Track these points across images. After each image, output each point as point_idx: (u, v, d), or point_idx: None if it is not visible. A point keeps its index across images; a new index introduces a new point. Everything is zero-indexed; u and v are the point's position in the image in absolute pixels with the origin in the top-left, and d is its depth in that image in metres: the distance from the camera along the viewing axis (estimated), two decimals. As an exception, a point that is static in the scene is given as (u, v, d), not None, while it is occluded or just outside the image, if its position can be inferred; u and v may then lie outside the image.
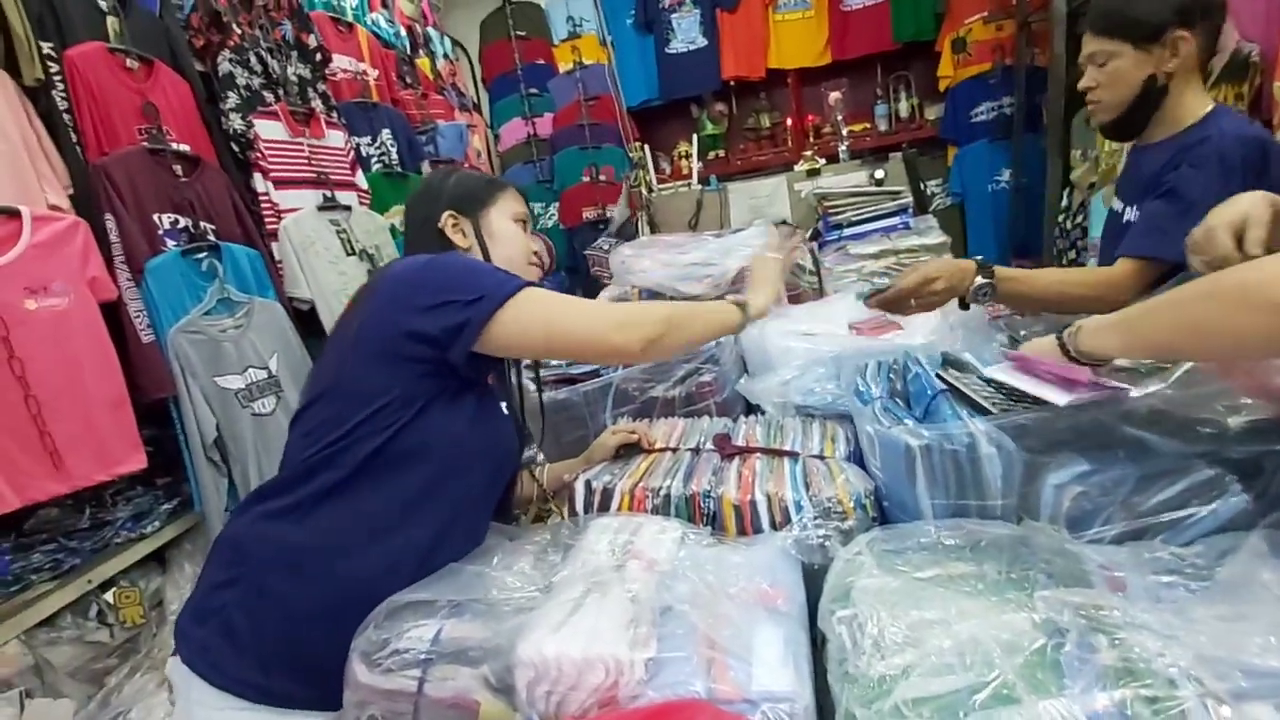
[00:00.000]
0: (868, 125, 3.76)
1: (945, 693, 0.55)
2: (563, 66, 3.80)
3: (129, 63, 1.64)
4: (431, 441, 0.85)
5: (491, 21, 3.86)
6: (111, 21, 1.63)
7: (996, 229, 3.43)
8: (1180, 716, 0.48)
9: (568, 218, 3.68)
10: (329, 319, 2.05)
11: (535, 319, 0.84)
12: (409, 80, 3.04)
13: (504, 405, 1.00)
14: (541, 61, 3.85)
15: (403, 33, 3.17)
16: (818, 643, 0.73)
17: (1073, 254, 2.49)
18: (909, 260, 1.94)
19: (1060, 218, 2.64)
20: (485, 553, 0.89)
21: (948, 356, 1.03)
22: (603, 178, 3.57)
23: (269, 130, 2.01)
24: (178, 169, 1.70)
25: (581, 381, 1.42)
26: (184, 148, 1.75)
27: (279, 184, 2.04)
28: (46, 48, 1.47)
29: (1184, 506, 0.71)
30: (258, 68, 2.04)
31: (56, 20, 1.51)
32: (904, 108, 3.74)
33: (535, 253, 1.05)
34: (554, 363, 1.48)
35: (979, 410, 0.82)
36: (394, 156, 2.64)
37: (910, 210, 2.08)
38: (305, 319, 2.02)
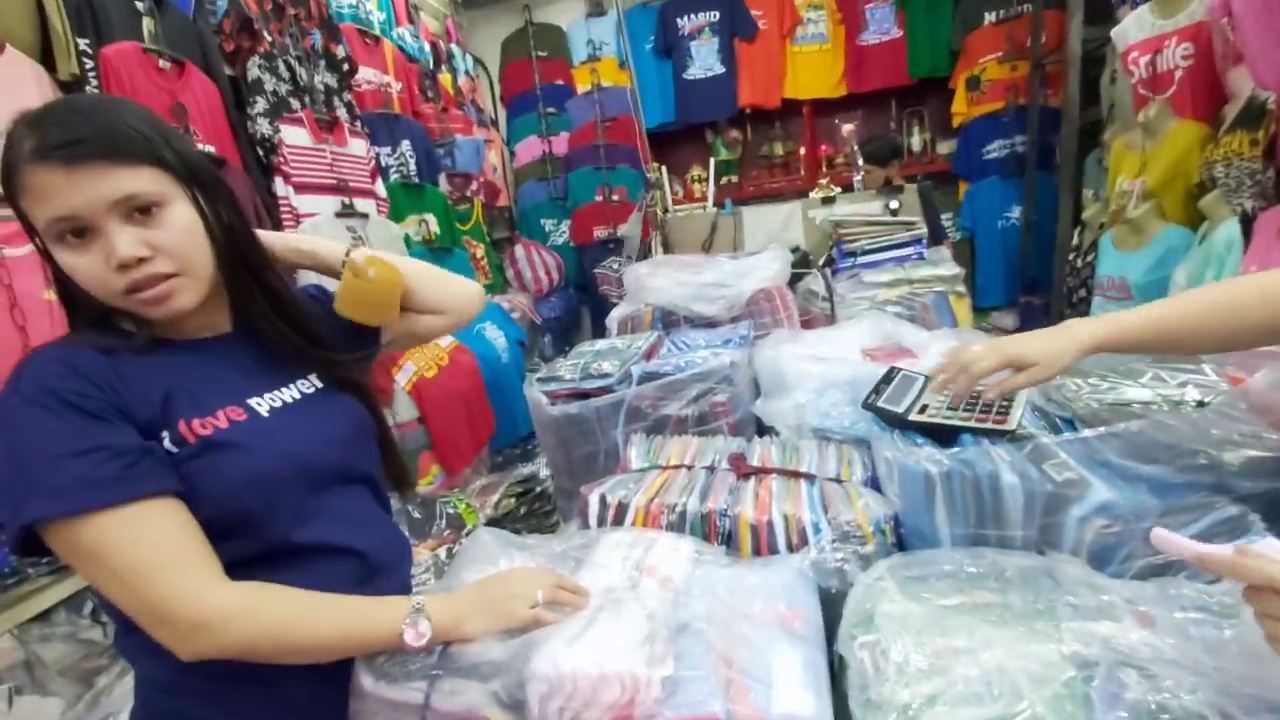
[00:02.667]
0: (880, 157, 3.80)
1: (973, 722, 0.54)
2: (581, 88, 3.86)
3: (161, 63, 1.66)
4: None
5: (513, 41, 3.93)
6: (147, 22, 1.66)
7: (1006, 265, 3.45)
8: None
9: (579, 235, 3.70)
10: (341, 324, 2.05)
11: (78, 562, 0.64)
12: (430, 94, 3.09)
13: None
14: (560, 82, 3.91)
15: (427, 48, 3.22)
16: (835, 668, 0.72)
17: (1083, 291, 2.50)
18: (922, 290, 1.95)
19: (1071, 256, 2.65)
20: (493, 562, 0.87)
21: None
22: (615, 198, 3.61)
23: (293, 136, 2.04)
24: (202, 169, 1.72)
25: (594, 396, 1.42)
26: (210, 149, 1.77)
27: (300, 189, 2.06)
28: (83, 44, 1.50)
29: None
30: (286, 75, 2.08)
31: (94, 17, 1.54)
32: (917, 141, 3.79)
33: (131, 262, 0.66)
34: (565, 376, 1.47)
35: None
36: (412, 167, 2.67)
37: (925, 241, 2.09)
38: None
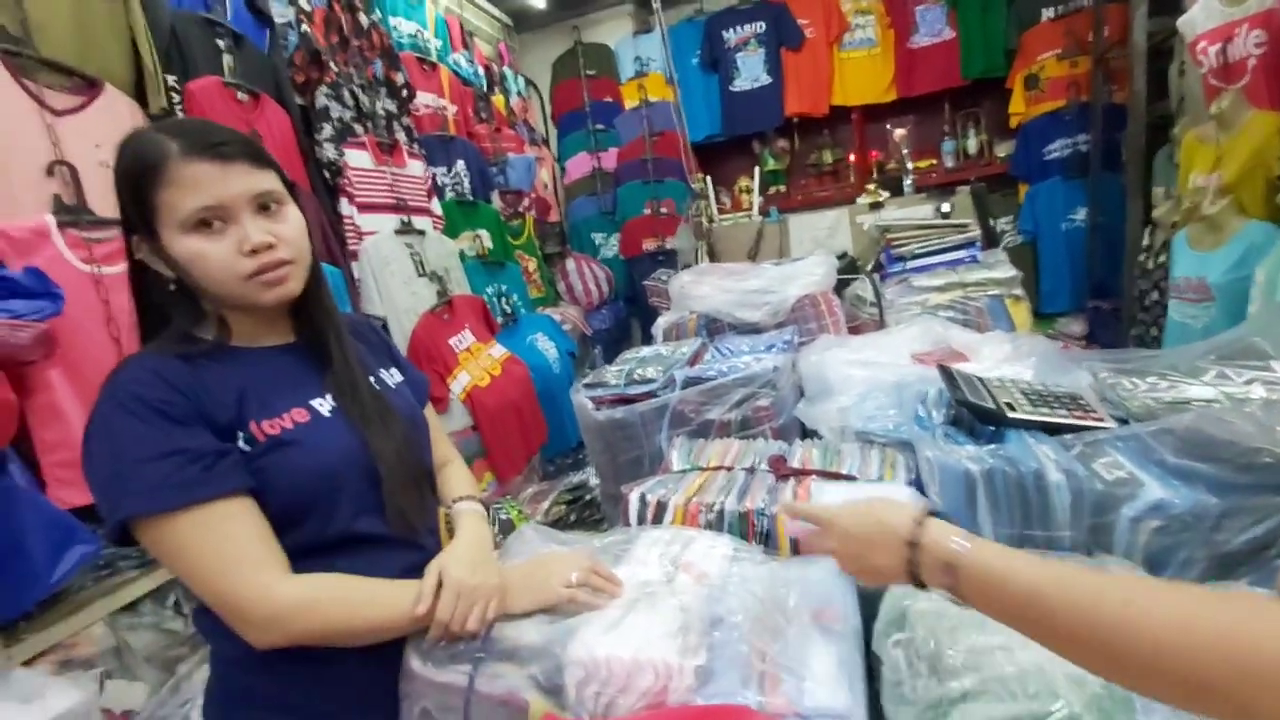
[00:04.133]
0: (934, 161, 3.71)
1: (1005, 719, 0.53)
2: (629, 103, 3.93)
3: (239, 95, 1.80)
4: None
5: (563, 61, 4.05)
6: (227, 59, 1.80)
7: (1072, 268, 3.30)
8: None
9: (628, 248, 3.76)
10: (399, 336, 2.15)
11: (162, 556, 0.71)
12: (484, 115, 3.21)
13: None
14: (609, 99, 4.00)
15: (480, 72, 3.36)
16: (872, 666, 0.71)
17: (1155, 294, 2.37)
18: (977, 293, 1.90)
19: (1141, 257, 2.52)
20: (535, 555, 0.90)
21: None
22: (664, 210, 3.65)
23: (357, 159, 2.16)
24: (275, 192, 1.85)
25: (638, 401, 1.44)
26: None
27: (363, 209, 2.18)
28: (171, 80, 1.64)
29: (1273, 545, 0.67)
30: (350, 102, 2.21)
31: (181, 56, 1.68)
32: (972, 144, 3.68)
33: (262, 247, 0.75)
34: (611, 382, 1.51)
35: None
36: (466, 185, 2.78)
37: (978, 244, 2.04)
38: (378, 335, 2.13)
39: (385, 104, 2.36)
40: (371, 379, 0.88)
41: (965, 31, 3.48)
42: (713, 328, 1.84)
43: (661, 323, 1.96)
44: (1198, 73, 2.12)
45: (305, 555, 0.75)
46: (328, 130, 2.11)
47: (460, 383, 2.17)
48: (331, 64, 2.14)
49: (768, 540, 0.91)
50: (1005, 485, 0.77)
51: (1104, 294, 3.15)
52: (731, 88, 3.89)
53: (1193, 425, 0.72)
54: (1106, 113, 2.99)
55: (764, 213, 2.56)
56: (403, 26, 2.78)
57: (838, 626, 0.73)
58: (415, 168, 2.41)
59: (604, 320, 3.64)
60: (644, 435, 1.44)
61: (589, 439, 1.52)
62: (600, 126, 3.90)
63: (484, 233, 2.74)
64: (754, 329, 1.79)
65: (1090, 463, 0.75)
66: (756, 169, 3.01)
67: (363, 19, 2.31)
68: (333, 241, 2.05)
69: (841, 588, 0.79)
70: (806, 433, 1.36)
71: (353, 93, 2.22)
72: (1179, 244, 2.16)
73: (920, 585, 0.55)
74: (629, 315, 3.91)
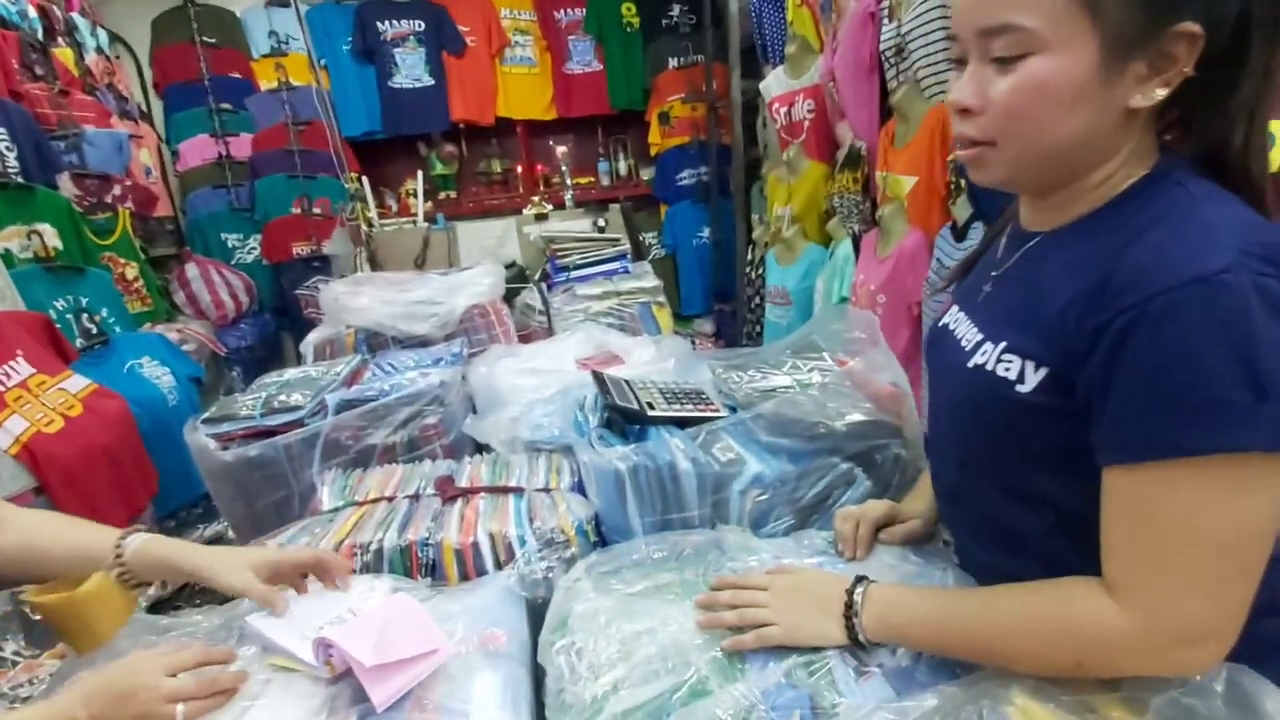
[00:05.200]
0: (592, 179, 4.05)
1: (652, 698, 0.58)
2: (265, 84, 3.40)
3: None
4: None
5: (168, 20, 3.30)
6: None
7: (703, 278, 3.94)
8: (828, 671, 0.57)
9: (274, 252, 3.25)
10: (-113, 372, 1.47)
11: None
12: (40, 71, 2.42)
13: None
14: (237, 75, 3.40)
15: (31, 12, 2.53)
16: (540, 679, 0.71)
17: (757, 299, 2.96)
18: (630, 301, 2.11)
19: (747, 269, 3.13)
20: (114, 657, 0.69)
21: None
22: (317, 210, 3.25)
23: None
24: None
25: (280, 433, 1.23)
26: None
27: None
28: None
29: (830, 496, 0.87)
30: None
31: None
32: (623, 167, 4.12)
33: None
34: (243, 413, 1.26)
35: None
36: (11, 163, 2.06)
37: (629, 256, 2.27)
38: None
39: None
40: None
41: (611, 66, 3.87)
42: (374, 343, 1.68)
43: (312, 339, 1.72)
44: (774, 127, 2.71)
45: None
46: None
47: (9, 431, 1.58)
48: None
49: (434, 571, 0.85)
50: (647, 478, 0.85)
51: (725, 299, 3.83)
52: (391, 83, 3.66)
53: (775, 409, 0.90)
54: (719, 151, 3.63)
55: (430, 219, 2.46)
56: None
57: (505, 647, 0.71)
58: (-94, 130, 1.69)
59: (244, 337, 3.08)
60: (291, 472, 1.23)
61: (214, 486, 1.25)
62: (227, 106, 3.29)
63: (45, 228, 2.07)
64: (421, 342, 1.69)
65: (709, 449, 0.87)
66: (421, 172, 2.88)
67: None
68: None
69: (509, 606, 0.78)
70: (480, 448, 1.33)
71: None
72: (769, 259, 2.74)
73: (852, 633, 0.60)
74: (278, 330, 3.38)
